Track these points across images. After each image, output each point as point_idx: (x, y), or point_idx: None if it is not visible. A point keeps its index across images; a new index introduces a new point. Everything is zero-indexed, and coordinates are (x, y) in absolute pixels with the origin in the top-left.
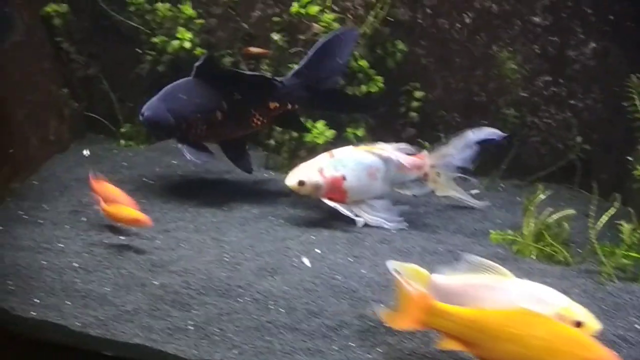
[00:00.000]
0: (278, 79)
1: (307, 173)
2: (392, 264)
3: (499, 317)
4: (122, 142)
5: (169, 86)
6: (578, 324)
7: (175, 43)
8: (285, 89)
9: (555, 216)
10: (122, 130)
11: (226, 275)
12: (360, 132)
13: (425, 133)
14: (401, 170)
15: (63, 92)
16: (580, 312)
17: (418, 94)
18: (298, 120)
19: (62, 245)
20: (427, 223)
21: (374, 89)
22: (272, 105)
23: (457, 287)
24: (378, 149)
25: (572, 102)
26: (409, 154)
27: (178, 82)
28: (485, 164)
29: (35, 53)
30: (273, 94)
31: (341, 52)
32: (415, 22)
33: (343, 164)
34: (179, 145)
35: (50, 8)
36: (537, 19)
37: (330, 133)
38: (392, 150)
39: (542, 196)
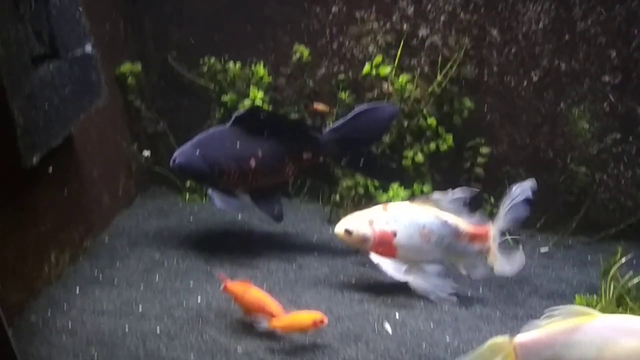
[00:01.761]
0: (316, 131)
1: (356, 223)
2: None
3: None
4: (187, 195)
5: (203, 133)
6: None
7: (247, 102)
8: (321, 142)
9: (635, 280)
10: (187, 184)
11: (310, 341)
12: (427, 188)
13: (490, 188)
14: (460, 240)
15: (132, 148)
16: None
17: (484, 149)
18: (328, 171)
19: (141, 309)
20: (501, 284)
21: (444, 147)
22: (306, 156)
23: (546, 338)
24: (436, 210)
25: None
26: (465, 204)
27: (213, 129)
28: (554, 221)
29: (109, 112)
30: (309, 145)
31: (377, 124)
32: (481, 80)
33: (395, 219)
34: (209, 192)
35: (125, 68)
36: (606, 78)
37: (405, 193)
38: (450, 214)
39: (623, 260)
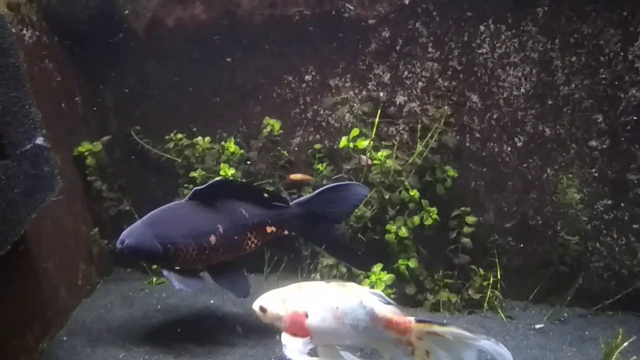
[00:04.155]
0: (282, 202)
1: (271, 301)
2: None
3: None
4: (154, 279)
5: (155, 210)
6: None
7: (218, 179)
8: (286, 215)
9: None
10: (154, 266)
11: None
12: (412, 263)
13: (478, 259)
14: (376, 324)
15: (93, 232)
16: None
17: (470, 219)
18: (292, 245)
19: None
20: None
21: (428, 221)
22: (270, 229)
23: None
24: (352, 291)
25: (635, 226)
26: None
27: (167, 205)
28: (547, 291)
29: (66, 196)
30: (272, 217)
31: (346, 203)
32: (463, 147)
33: (308, 300)
34: (165, 273)
35: (84, 148)
36: (593, 143)
37: (388, 277)
38: (368, 297)
39: (625, 344)
